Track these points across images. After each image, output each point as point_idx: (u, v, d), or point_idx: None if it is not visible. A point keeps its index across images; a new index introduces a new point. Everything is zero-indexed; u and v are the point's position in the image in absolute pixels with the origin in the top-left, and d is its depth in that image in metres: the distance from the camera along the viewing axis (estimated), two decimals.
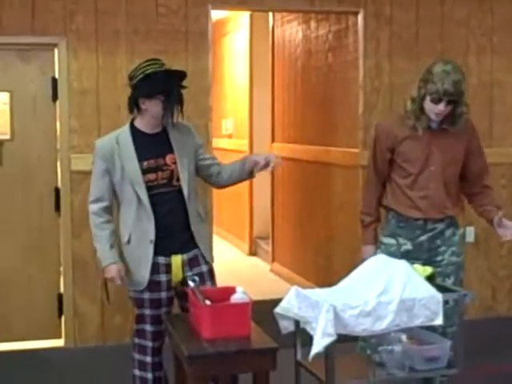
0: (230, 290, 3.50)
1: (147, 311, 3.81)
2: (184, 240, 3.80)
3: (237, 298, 3.40)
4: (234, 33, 9.20)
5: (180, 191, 3.78)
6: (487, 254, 6.12)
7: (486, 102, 6.00)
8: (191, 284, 3.51)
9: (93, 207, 3.86)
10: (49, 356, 5.27)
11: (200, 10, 5.46)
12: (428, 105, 3.90)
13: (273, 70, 7.74)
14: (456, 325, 3.74)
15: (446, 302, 3.38)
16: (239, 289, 3.44)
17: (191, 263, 3.81)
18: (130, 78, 3.75)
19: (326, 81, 6.52)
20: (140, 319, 3.85)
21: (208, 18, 5.48)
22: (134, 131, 3.79)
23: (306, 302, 3.27)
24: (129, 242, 3.78)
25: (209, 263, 3.88)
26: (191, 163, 3.85)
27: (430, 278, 3.47)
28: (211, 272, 3.89)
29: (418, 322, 3.29)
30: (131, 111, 3.79)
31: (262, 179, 8.40)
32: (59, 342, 5.46)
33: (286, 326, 3.42)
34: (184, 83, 3.78)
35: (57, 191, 5.39)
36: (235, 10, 7.82)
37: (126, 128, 3.83)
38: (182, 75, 3.78)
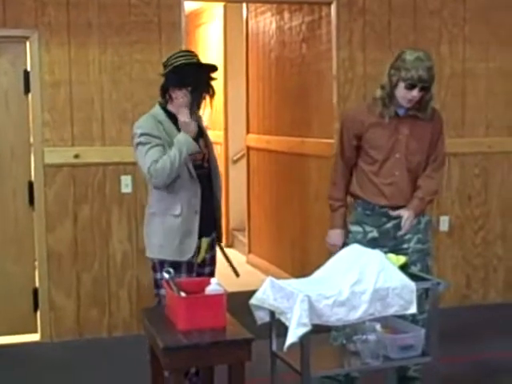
0: (205, 282, 3.50)
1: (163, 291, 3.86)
2: (209, 223, 4.00)
3: (211, 289, 3.40)
4: (208, 24, 9.17)
5: (208, 174, 4.00)
6: (461, 243, 6.17)
7: (459, 91, 6.04)
8: (166, 276, 3.51)
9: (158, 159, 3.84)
10: (25, 351, 5.24)
11: (173, 1, 5.43)
12: (401, 92, 3.94)
13: (247, 61, 7.73)
14: (426, 312, 3.78)
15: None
16: (213, 280, 3.44)
17: (211, 246, 4.05)
18: (164, 66, 3.91)
19: (300, 72, 6.52)
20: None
21: (181, 8, 5.46)
22: (170, 115, 3.91)
23: (281, 292, 3.28)
24: (180, 214, 3.89)
25: (216, 247, 4.14)
26: (212, 149, 4.12)
27: (404, 267, 3.50)
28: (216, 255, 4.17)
29: (391, 311, 3.32)
30: (163, 97, 3.92)
31: (237, 171, 8.42)
32: (35, 337, 5.43)
33: (262, 317, 3.43)
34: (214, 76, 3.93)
35: (30, 185, 5.35)
36: (208, 1, 7.80)
37: (159, 111, 3.92)
38: (212, 68, 3.92)
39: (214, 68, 3.92)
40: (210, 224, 4.01)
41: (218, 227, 4.11)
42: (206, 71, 3.89)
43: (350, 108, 4.39)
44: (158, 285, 3.97)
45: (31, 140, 5.32)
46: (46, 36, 5.23)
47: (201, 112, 3.97)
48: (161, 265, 3.93)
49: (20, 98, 5.30)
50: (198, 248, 3.96)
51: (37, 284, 5.41)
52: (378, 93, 4.04)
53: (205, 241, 3.98)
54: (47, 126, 5.29)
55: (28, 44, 5.23)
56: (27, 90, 5.28)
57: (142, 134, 3.83)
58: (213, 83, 3.92)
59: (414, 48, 4.13)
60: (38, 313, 5.43)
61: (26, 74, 5.27)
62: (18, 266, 5.40)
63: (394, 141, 4.05)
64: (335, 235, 4.25)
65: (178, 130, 3.86)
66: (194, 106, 3.85)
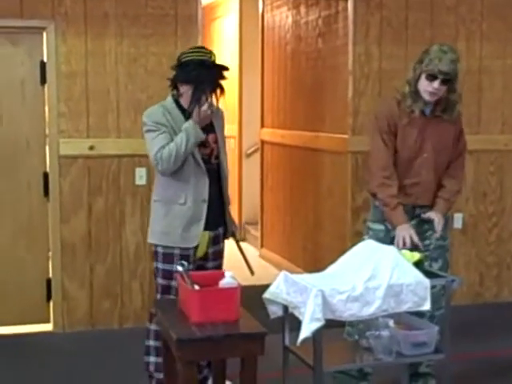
0: (219, 275, 3.50)
1: (174, 283, 3.91)
2: (215, 217, 4.03)
3: (225, 282, 3.40)
4: (224, 17, 9.16)
5: (217, 169, 4.03)
6: (475, 241, 6.15)
7: (475, 88, 6.00)
8: (180, 268, 3.51)
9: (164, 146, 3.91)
10: (37, 341, 5.26)
11: None
12: (422, 84, 3.92)
13: (262, 55, 7.72)
14: (443, 308, 3.77)
15: (432, 287, 3.40)
16: (228, 273, 3.45)
17: (214, 240, 4.07)
18: (177, 60, 3.97)
19: (316, 66, 6.51)
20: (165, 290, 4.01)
21: (197, 2, 5.45)
22: (180, 107, 3.97)
23: (295, 287, 3.28)
24: (185, 203, 3.94)
25: (223, 242, 4.16)
26: (224, 146, 4.12)
27: (418, 264, 3.49)
28: (224, 250, 4.20)
29: (405, 307, 3.31)
30: (172, 90, 4.01)
31: (251, 164, 8.41)
32: (48, 327, 5.45)
33: (275, 311, 3.43)
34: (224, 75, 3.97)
35: (45, 176, 5.36)
36: None
37: (171, 102, 3.99)
38: (222, 68, 3.95)
39: (223, 68, 3.96)
40: (215, 219, 4.03)
41: (226, 223, 4.14)
42: (213, 70, 3.92)
43: (380, 108, 4.23)
44: (155, 273, 4.07)
45: (47, 131, 5.33)
46: (62, 26, 5.24)
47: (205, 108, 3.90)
48: (156, 254, 4.02)
49: (36, 89, 5.31)
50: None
51: (50, 274, 5.43)
52: (406, 88, 4.02)
53: (206, 234, 3.99)
54: (63, 117, 5.30)
55: (45, 35, 5.23)
56: (43, 80, 5.29)
57: (150, 122, 3.92)
58: (223, 82, 3.94)
59: (441, 43, 4.09)
60: (51, 303, 5.45)
61: (43, 65, 5.28)
62: (31, 256, 5.42)
63: (422, 140, 4.03)
64: (406, 229, 3.96)
65: (187, 120, 3.91)
66: (194, 103, 3.87)
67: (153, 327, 4.05)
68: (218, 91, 3.93)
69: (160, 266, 4.00)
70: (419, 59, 3.96)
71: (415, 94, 3.97)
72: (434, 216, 4.04)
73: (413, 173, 4.06)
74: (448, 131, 4.08)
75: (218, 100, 3.98)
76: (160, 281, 4.01)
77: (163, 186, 4.01)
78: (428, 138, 4.03)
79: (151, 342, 4.08)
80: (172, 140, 3.85)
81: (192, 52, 3.94)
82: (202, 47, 4.10)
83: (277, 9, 7.32)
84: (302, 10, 6.73)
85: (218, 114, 4.10)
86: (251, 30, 8.13)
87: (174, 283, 3.91)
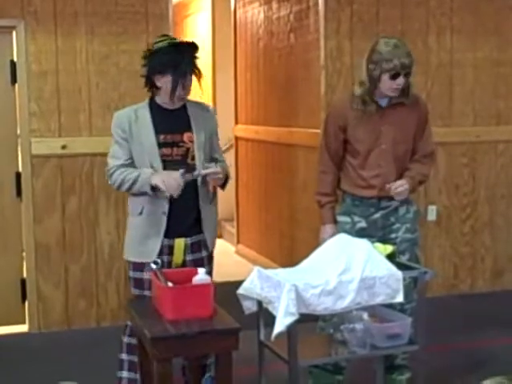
0: (193, 272, 3.50)
1: (147, 292, 3.76)
2: (191, 223, 3.80)
3: (199, 279, 3.40)
4: (196, 14, 9.15)
5: (194, 170, 3.73)
6: (449, 232, 6.19)
7: (446, 81, 6.04)
8: (153, 266, 3.50)
9: (120, 169, 3.77)
10: (13, 342, 5.23)
11: None
12: (386, 84, 3.90)
13: (235, 51, 7.71)
14: (414, 301, 3.80)
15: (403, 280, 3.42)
16: (201, 270, 3.44)
17: (193, 248, 3.82)
18: (144, 58, 3.78)
19: (288, 62, 6.52)
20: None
21: None
22: (154, 105, 3.80)
23: (269, 282, 3.29)
24: (141, 213, 3.77)
25: (209, 249, 3.88)
26: (207, 144, 3.85)
27: (391, 257, 3.51)
28: (210, 257, 3.91)
29: (378, 299, 3.33)
30: (148, 89, 3.81)
31: (226, 161, 8.40)
32: (23, 328, 5.42)
33: (249, 307, 3.44)
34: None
35: (18, 176, 5.33)
36: None
37: (145, 103, 3.84)
38: (192, 46, 3.76)
39: (193, 46, 3.76)
40: (188, 225, 3.79)
41: (207, 228, 3.85)
42: (184, 50, 3.72)
43: (335, 99, 4.32)
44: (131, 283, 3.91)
45: (18, 131, 5.30)
46: (32, 26, 5.21)
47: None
48: (129, 264, 3.90)
49: (7, 89, 5.28)
50: (171, 248, 3.79)
51: (24, 275, 5.40)
52: (357, 91, 4.00)
53: (181, 241, 3.78)
54: (34, 117, 5.27)
55: (14, 34, 5.20)
56: (14, 80, 5.26)
57: (112, 125, 3.83)
58: (199, 66, 3.77)
59: (385, 37, 4.11)
60: (26, 304, 5.42)
61: (13, 64, 5.25)
62: (5, 257, 5.38)
63: (378, 132, 4.02)
64: (330, 229, 4.14)
65: (154, 125, 3.74)
66: (179, 90, 3.69)
67: (126, 340, 3.90)
68: (197, 72, 3.74)
69: (131, 274, 3.87)
70: (372, 60, 3.91)
71: (369, 95, 3.95)
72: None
73: (372, 165, 4.05)
74: (407, 117, 4.05)
75: (200, 83, 3.75)
76: (133, 291, 3.86)
77: (129, 196, 3.88)
78: (387, 128, 4.02)
79: (124, 356, 3.92)
80: (127, 148, 3.74)
81: (158, 41, 3.75)
82: (166, 34, 3.90)
83: (249, 5, 7.32)
84: (274, 5, 6.73)
85: (203, 110, 3.90)
86: (224, 27, 8.12)
87: (147, 293, 3.76)
